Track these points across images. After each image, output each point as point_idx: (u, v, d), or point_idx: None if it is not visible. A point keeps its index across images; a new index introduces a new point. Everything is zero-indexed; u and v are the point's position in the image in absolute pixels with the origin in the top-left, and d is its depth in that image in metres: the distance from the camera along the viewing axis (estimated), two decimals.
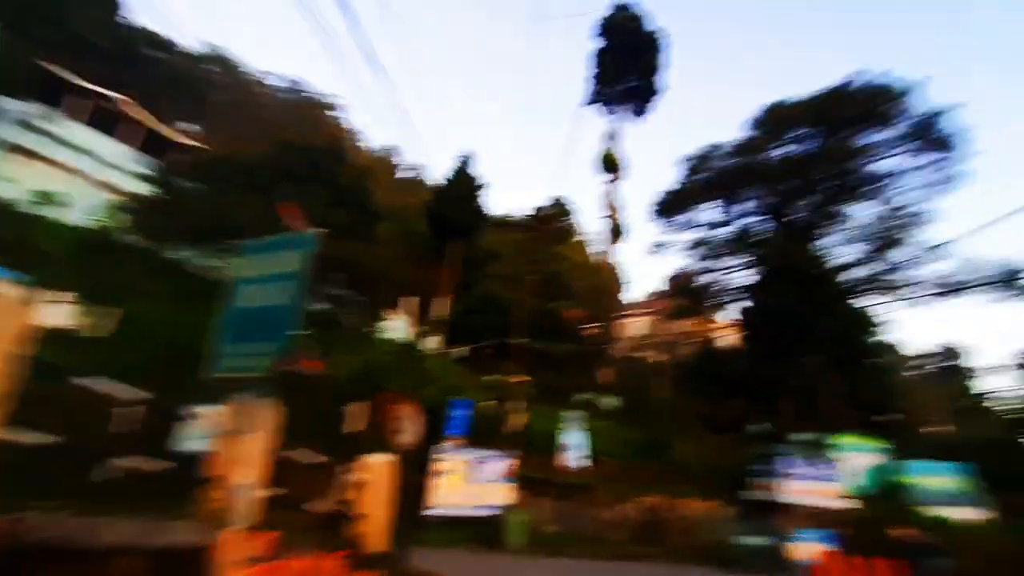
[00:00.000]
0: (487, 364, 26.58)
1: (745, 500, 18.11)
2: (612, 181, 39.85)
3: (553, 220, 48.55)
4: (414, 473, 12.21)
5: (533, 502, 14.09)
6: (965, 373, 62.00)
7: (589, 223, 56.31)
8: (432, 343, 25.62)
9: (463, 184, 34.32)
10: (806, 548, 16.12)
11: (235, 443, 6.38)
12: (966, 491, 23.47)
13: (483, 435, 14.12)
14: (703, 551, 16.10)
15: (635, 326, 47.06)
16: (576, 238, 53.77)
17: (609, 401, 27.65)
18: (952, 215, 39.71)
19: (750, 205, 26.72)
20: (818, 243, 24.28)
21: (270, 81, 44.67)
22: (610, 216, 38.93)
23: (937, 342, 61.51)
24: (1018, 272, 20.14)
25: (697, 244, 26.86)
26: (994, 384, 73.42)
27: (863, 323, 31.37)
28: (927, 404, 50.50)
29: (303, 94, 47.11)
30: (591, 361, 35.54)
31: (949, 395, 57.38)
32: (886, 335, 32.41)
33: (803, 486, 17.74)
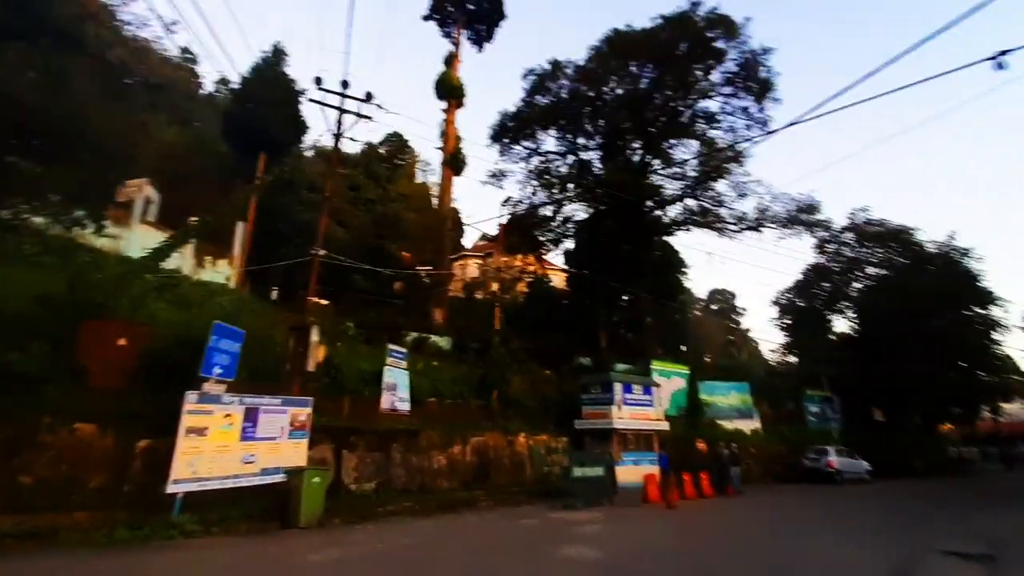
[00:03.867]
0: (301, 305, 22.22)
1: (576, 430, 17.81)
2: (451, 108, 36.75)
3: (389, 157, 43.76)
4: (148, 435, 8.42)
5: (338, 458, 11.27)
6: (736, 311, 75.23)
7: (426, 153, 52.39)
8: (221, 272, 20.41)
9: (272, 86, 27.78)
10: (632, 471, 16.35)
11: None
12: (745, 406, 27.24)
13: (267, 376, 10.67)
14: (535, 486, 15.28)
15: (471, 266, 45.77)
16: (412, 174, 49.74)
17: (441, 341, 25.70)
18: (768, 156, 45.79)
19: (588, 139, 26.12)
20: (648, 180, 24.70)
21: None
22: (448, 146, 36.07)
23: (717, 285, 73.34)
24: (813, 207, 22.82)
25: (535, 175, 25.53)
26: (756, 320, 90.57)
27: (674, 262, 34.28)
28: (710, 336, 59.69)
29: None
30: (424, 301, 33.25)
31: (724, 328, 69.13)
32: (687, 275, 35.98)
33: (627, 412, 17.96)
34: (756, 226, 23.14)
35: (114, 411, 8.19)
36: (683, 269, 34.98)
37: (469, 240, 52.82)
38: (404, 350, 14.87)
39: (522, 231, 27.22)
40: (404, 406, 13.82)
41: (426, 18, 37.45)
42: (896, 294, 29.55)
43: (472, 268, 46.48)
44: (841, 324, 34.78)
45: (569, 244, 29.85)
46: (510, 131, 24.99)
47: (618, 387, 17.96)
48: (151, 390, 8.85)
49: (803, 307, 34.16)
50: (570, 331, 28.34)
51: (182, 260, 19.10)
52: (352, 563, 6.92)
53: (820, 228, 24.23)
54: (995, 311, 31.92)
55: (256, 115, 25.57)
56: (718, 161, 22.52)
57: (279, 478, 9.43)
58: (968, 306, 31.49)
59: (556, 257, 32.92)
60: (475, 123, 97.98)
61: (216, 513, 8.42)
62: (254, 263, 24.69)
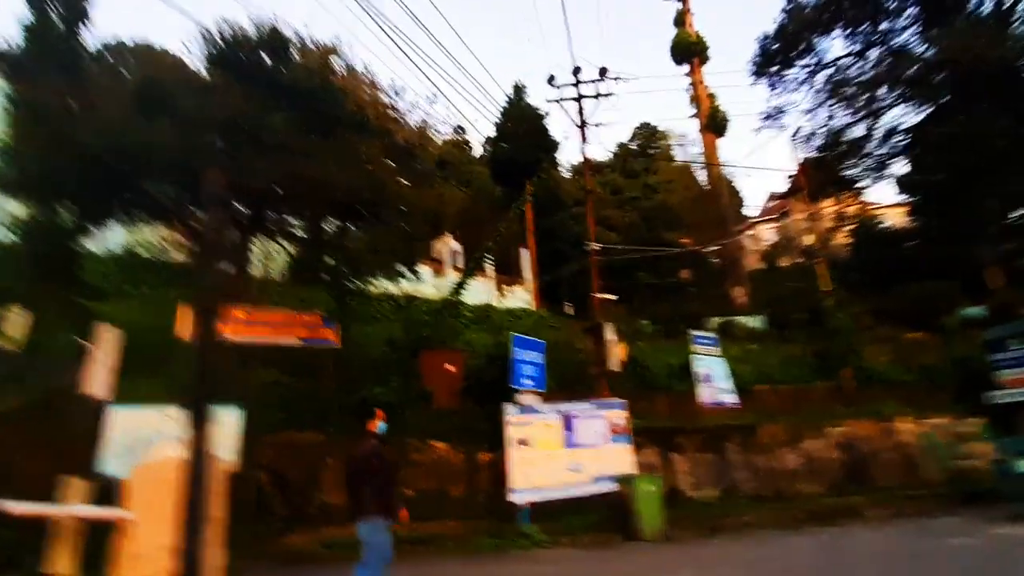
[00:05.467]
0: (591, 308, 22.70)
1: (993, 407, 12.34)
2: (695, 68, 33.45)
3: (642, 150, 42.66)
4: (479, 450, 9.01)
5: (666, 462, 10.15)
6: None
7: (679, 126, 48.97)
8: (519, 298, 22.43)
9: (521, 118, 30.33)
10: None
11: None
12: None
13: (574, 383, 10.47)
14: (941, 488, 11.02)
15: (766, 231, 39.75)
16: (669, 157, 47.24)
17: (750, 321, 22.42)
18: None
19: (895, 17, 19.29)
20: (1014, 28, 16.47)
21: None
22: (702, 109, 32.80)
23: None
24: None
25: (828, 91, 20.09)
26: None
27: None
28: None
29: None
30: (719, 282, 30.27)
31: None
32: None
33: None
34: None
35: (455, 428, 9.11)
36: None
37: (755, 203, 46.39)
38: (712, 335, 12.98)
39: (826, 167, 21.74)
40: (729, 398, 11.90)
41: None
42: None
43: (767, 234, 40.36)
44: None
45: (900, 167, 22.44)
46: (777, 54, 20.44)
47: None
48: (479, 407, 9.61)
49: None
50: (932, 277, 21.04)
51: (489, 294, 21.79)
52: None
53: None
54: None
55: (514, 151, 28.08)
56: None
57: (610, 486, 8.90)
58: None
59: (882, 190, 25.34)
60: (719, 76, 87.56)
61: (558, 523, 8.36)
62: (544, 284, 26.66)
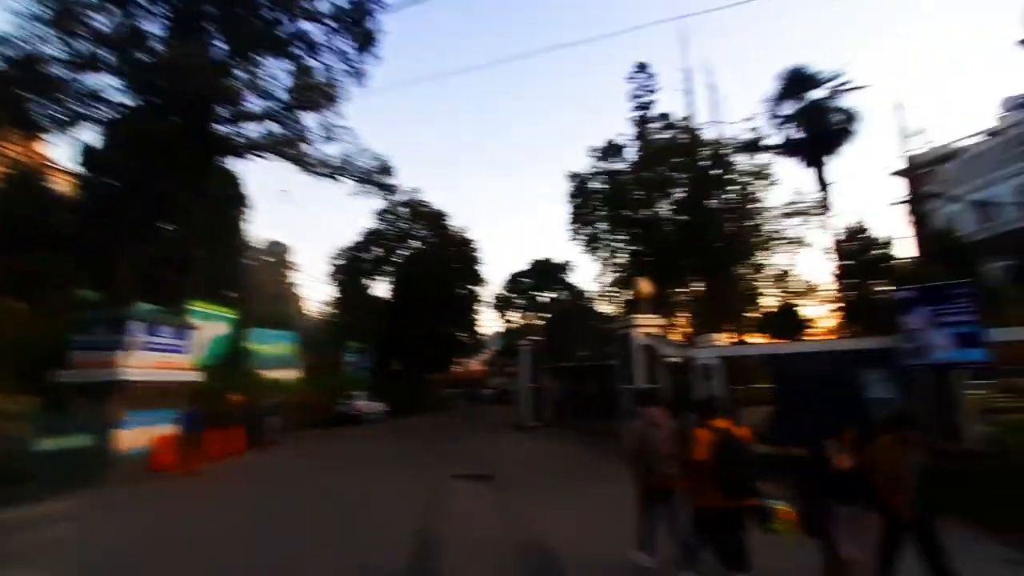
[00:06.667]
0: None
1: (60, 385, 12.70)
2: None
3: None
4: None
5: None
6: (289, 264, 74.02)
7: None
8: None
9: None
10: (141, 435, 13.07)
11: None
12: (290, 355, 27.04)
13: None
14: None
15: None
16: None
17: None
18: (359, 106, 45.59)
19: (152, 4, 19.51)
20: (229, 83, 20.37)
21: None
22: None
23: (273, 235, 70.72)
24: (388, 168, 23.95)
25: (54, 7, 17.16)
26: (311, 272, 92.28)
27: (237, 197, 30.19)
28: (264, 284, 56.71)
29: None
30: None
31: (278, 279, 67.26)
32: (247, 215, 32.24)
33: (148, 359, 14.31)
34: (339, 172, 22.79)
35: None
36: (244, 207, 31.34)
37: None
38: None
39: (12, 89, 17.74)
40: None
41: None
42: (424, 267, 35.91)
43: None
44: (384, 287, 39.54)
45: (93, 136, 21.71)
46: None
47: (137, 327, 14.03)
48: None
49: (355, 266, 36.92)
50: (76, 254, 20.62)
51: None
52: None
53: (390, 192, 25.97)
54: (479, 289, 43.81)
55: None
56: (315, 93, 20.96)
57: None
58: (467, 284, 41.77)
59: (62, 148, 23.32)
60: None
61: None
62: None
